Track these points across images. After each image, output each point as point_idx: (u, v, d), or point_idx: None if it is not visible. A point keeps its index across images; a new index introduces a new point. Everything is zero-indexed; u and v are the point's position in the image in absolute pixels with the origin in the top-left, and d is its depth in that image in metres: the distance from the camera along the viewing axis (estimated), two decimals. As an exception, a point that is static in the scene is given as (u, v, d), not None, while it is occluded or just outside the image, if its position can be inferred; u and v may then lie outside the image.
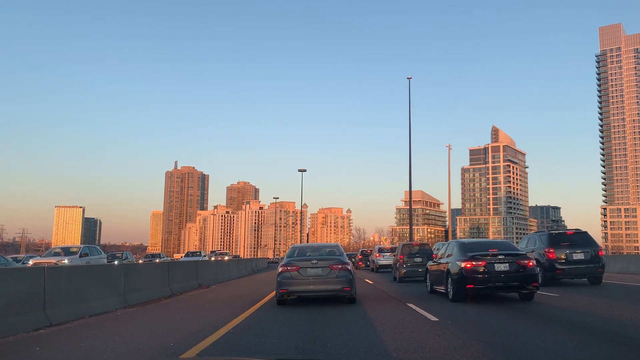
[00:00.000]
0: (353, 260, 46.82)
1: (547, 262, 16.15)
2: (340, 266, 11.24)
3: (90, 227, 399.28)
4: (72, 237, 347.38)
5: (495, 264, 11.47)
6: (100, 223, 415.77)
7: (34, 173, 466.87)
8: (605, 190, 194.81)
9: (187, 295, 14.91)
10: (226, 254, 58.60)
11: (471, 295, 11.86)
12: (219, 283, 20.93)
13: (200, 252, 48.75)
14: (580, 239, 16.80)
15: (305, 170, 65.95)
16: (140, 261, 47.67)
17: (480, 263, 11.49)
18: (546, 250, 16.37)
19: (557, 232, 17.61)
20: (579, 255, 16.13)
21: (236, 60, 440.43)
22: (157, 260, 35.93)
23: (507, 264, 11.46)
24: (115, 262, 31.45)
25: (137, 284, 12.36)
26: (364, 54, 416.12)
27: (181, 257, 64.54)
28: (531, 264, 11.69)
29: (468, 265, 11.53)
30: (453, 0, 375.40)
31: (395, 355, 6.03)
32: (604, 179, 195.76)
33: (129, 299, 11.56)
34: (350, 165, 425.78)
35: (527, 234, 19.99)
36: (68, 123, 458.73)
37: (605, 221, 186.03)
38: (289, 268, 11.19)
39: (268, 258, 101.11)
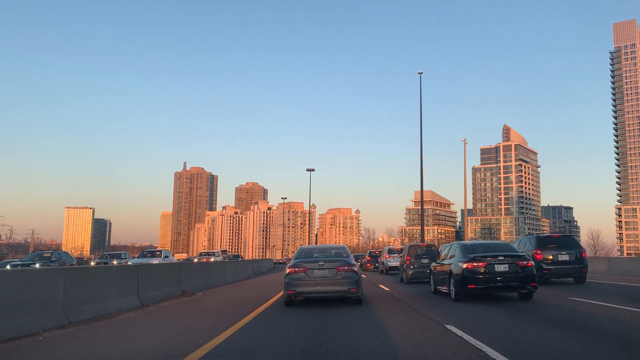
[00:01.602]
0: (361, 261, 45.01)
1: (535, 262, 16.92)
2: (346, 267, 11.43)
3: (100, 227, 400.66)
4: (82, 238, 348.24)
5: (496, 265, 11.95)
6: (110, 224, 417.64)
7: (44, 174, 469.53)
8: (619, 190, 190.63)
9: (160, 305, 12.50)
10: (213, 254, 49.02)
11: (472, 295, 12.21)
12: (210, 289, 18.59)
13: (162, 251, 34.30)
14: (566, 241, 18.26)
15: (313, 170, 64.80)
16: (92, 263, 39.18)
17: (481, 264, 11.94)
18: (534, 252, 17.45)
19: (544, 235, 19.07)
20: (564, 257, 17.39)
21: (245, 60, 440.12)
22: (115, 262, 27.53)
23: (506, 265, 11.94)
24: (37, 265, 25.03)
25: (84, 294, 9.79)
26: (374, 53, 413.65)
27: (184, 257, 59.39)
28: (530, 264, 12.13)
29: (469, 266, 12.00)
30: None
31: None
32: (619, 178, 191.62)
33: (70, 314, 9.10)
34: (359, 166, 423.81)
35: (540, 234, 21.58)
36: (77, 124, 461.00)
37: (620, 221, 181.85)
38: (296, 269, 11.40)
39: (274, 259, 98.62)
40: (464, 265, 12.14)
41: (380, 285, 19.25)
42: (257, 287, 19.70)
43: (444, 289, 13.72)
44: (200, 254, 51.07)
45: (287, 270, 11.60)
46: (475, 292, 12.10)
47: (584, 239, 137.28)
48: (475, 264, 12.04)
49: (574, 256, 17.44)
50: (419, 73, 36.29)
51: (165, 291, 14.07)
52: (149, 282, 13.04)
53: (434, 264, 15.50)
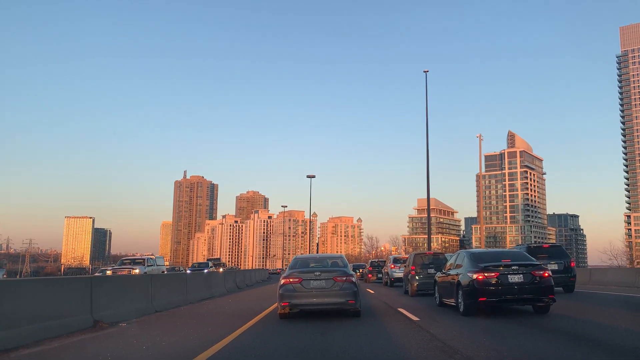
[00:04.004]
0: (362, 272, 41.61)
1: None
2: (344, 278, 11.02)
3: (100, 237, 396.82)
4: (82, 248, 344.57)
5: (509, 275, 11.12)
6: (110, 233, 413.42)
7: (43, 184, 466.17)
8: (628, 197, 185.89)
9: (17, 355, 7.43)
10: (143, 262, 31.80)
11: (483, 308, 11.36)
12: (155, 313, 13.36)
13: None
14: (555, 251, 18.83)
15: (314, 177, 63.21)
16: None
17: (493, 274, 11.11)
18: None
19: (534, 245, 19.71)
20: (553, 266, 17.72)
21: (245, 68, 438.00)
22: None
23: (521, 275, 11.12)
24: None
25: None
26: (376, 61, 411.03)
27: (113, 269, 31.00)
28: (547, 274, 11.24)
29: (480, 277, 11.10)
30: (467, 3, 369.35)
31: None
32: (627, 185, 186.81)
33: None
34: (360, 174, 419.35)
35: (530, 244, 21.01)
36: (77, 133, 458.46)
37: (629, 229, 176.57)
38: (291, 280, 11.01)
39: (270, 269, 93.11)
40: (474, 276, 11.13)
41: (381, 298, 17.86)
42: (222, 313, 14.34)
43: (450, 301, 12.80)
44: (122, 262, 32.91)
45: (282, 281, 11.13)
46: (486, 305, 11.11)
47: (619, 245, 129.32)
48: (486, 274, 11.03)
49: (563, 266, 18.05)
50: (424, 72, 35.25)
51: (54, 324, 9.00)
52: (19, 310, 8.28)
53: (439, 274, 14.58)
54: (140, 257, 34.07)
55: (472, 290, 11.13)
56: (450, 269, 13.33)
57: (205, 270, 34.33)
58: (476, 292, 11.03)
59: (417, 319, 11.10)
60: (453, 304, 12.50)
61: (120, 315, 11.58)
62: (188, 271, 35.13)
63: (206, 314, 13.61)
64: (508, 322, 10.25)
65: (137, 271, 28.10)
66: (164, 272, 31.94)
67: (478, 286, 11.02)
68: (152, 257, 34.29)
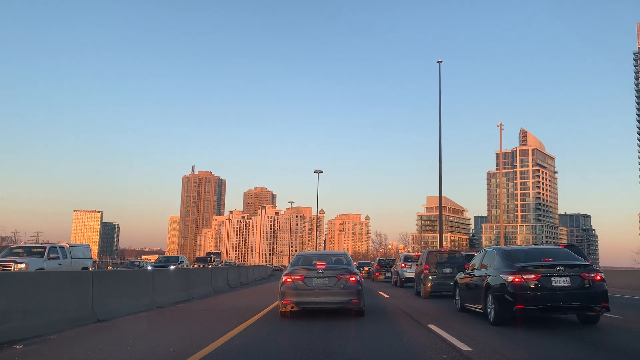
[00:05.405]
0: (369, 270, 39.26)
1: None
2: (348, 276, 10.69)
3: (108, 231, 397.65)
4: (90, 241, 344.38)
5: (553, 278, 9.40)
6: (119, 228, 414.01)
7: (52, 177, 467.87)
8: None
9: None
10: (43, 251, 20.63)
11: (520, 317, 9.59)
12: (97, 323, 10.35)
13: None
14: (572, 251, 18.48)
15: (321, 172, 61.93)
16: None
17: (533, 277, 9.44)
18: None
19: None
20: None
21: (253, 65, 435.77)
22: None
23: (567, 278, 9.40)
24: None
25: None
26: (385, 59, 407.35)
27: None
28: (599, 277, 9.49)
29: (516, 280, 9.48)
30: (479, 1, 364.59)
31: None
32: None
33: None
34: (369, 171, 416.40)
35: (544, 244, 19.02)
36: (86, 127, 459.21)
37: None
38: (293, 277, 10.70)
39: (274, 265, 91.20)
40: (510, 278, 9.57)
41: (399, 306, 15.29)
42: (194, 316, 12.08)
43: (476, 307, 11.29)
44: (10, 251, 21.23)
45: (283, 279, 10.87)
46: (524, 313, 9.43)
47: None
48: (524, 277, 9.45)
49: None
50: (438, 62, 33.91)
51: None
52: None
53: (460, 274, 13.11)
54: (39, 245, 22.29)
55: (507, 295, 9.51)
56: (474, 268, 11.84)
57: (172, 267, 27.28)
58: (512, 297, 9.40)
59: (469, 348, 7.49)
60: (479, 310, 11.02)
61: (28, 330, 8.22)
62: (149, 267, 28.72)
63: (170, 322, 11.06)
64: (541, 332, 8.90)
65: (22, 266, 19.02)
66: (87, 267, 23.88)
67: (514, 291, 9.38)
68: (65, 245, 22.85)
